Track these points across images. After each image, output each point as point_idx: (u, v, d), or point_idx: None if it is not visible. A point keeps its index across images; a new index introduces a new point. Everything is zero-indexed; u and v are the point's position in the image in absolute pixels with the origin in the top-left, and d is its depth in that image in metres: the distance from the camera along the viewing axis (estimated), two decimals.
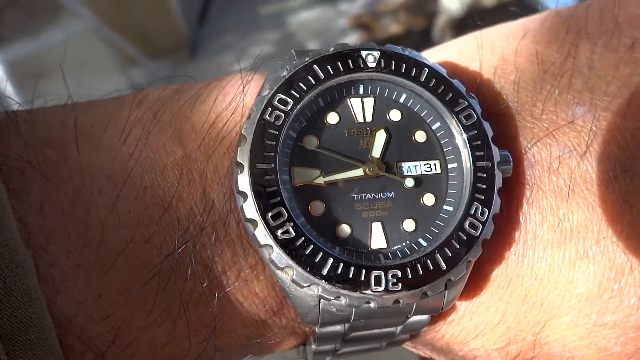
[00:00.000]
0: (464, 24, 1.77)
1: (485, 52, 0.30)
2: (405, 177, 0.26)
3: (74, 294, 0.24)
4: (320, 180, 0.26)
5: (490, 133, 0.27)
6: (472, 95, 0.27)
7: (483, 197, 0.26)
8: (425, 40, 1.80)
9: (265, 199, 0.24)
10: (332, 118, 0.26)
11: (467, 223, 0.25)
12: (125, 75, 1.90)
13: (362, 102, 0.27)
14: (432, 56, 0.31)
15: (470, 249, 0.25)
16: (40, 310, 0.22)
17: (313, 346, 0.28)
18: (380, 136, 0.26)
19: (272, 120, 0.25)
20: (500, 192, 0.27)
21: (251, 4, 2.26)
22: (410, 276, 0.24)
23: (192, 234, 0.25)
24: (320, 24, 2.09)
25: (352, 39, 1.92)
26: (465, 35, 0.32)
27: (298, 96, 0.25)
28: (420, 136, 0.27)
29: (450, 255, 0.25)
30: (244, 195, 0.24)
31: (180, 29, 2.05)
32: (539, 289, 0.27)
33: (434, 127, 0.27)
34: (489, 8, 1.79)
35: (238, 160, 0.24)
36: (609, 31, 0.28)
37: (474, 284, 0.28)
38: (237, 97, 0.27)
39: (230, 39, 2.19)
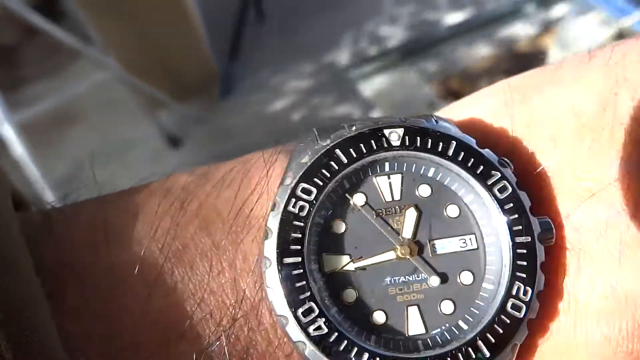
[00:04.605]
0: None
1: (517, 106, 0.28)
2: (434, 268, 0.25)
3: None
4: (351, 267, 0.25)
5: (528, 204, 0.25)
6: (506, 161, 0.26)
7: (525, 275, 0.24)
8: None
9: (295, 294, 0.23)
10: (359, 199, 0.26)
11: (509, 305, 0.24)
12: (153, 119, 1.85)
13: (389, 180, 0.26)
14: (463, 113, 0.29)
15: (515, 333, 0.24)
16: None
17: None
18: (410, 215, 0.25)
19: (297, 211, 0.24)
20: (543, 263, 0.25)
21: (286, 36, 2.21)
22: None
23: (225, 327, 0.25)
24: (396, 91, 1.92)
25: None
26: (495, 84, 0.31)
27: (322, 184, 0.25)
28: (452, 210, 0.26)
29: (493, 341, 0.23)
30: (273, 290, 0.24)
31: (211, 66, 1.96)
32: None
33: (466, 200, 0.26)
34: None
35: (265, 254, 0.24)
36: None
37: (525, 359, 0.26)
38: (262, 181, 0.27)
39: (265, 74, 2.11)
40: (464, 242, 0.25)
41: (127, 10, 1.56)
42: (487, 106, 0.29)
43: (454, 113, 0.30)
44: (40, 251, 0.25)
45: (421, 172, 0.26)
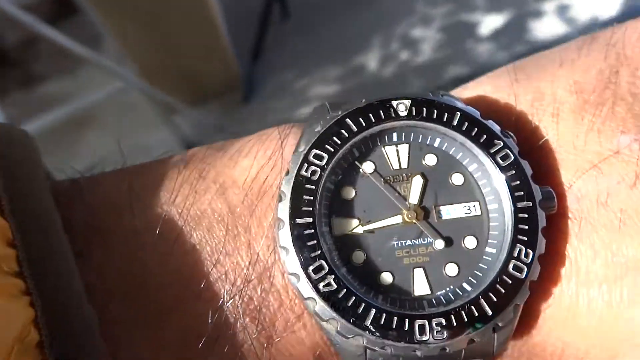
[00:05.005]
0: None
1: (522, 85, 0.29)
2: (439, 232, 0.26)
3: (135, 350, 0.25)
4: (360, 230, 0.26)
5: (529, 171, 0.26)
6: (509, 133, 0.27)
7: (526, 239, 0.25)
8: None
9: (306, 252, 0.25)
10: (368, 167, 0.27)
11: (511, 266, 0.25)
12: (171, 126, 1.75)
13: (397, 149, 0.27)
14: (469, 92, 0.31)
15: (517, 293, 0.25)
16: None
17: None
18: (417, 182, 0.27)
19: (309, 175, 0.26)
20: (545, 230, 0.26)
21: (312, 36, 2.08)
22: (455, 324, 0.24)
23: (239, 287, 0.26)
24: None
25: None
26: (502, 67, 0.32)
27: (333, 150, 0.26)
28: (457, 179, 0.27)
29: (495, 300, 0.24)
30: (285, 249, 0.25)
31: (233, 67, 1.82)
32: (598, 327, 0.26)
33: (470, 169, 0.27)
34: None
35: (279, 216, 0.25)
36: None
37: (528, 324, 0.27)
38: (277, 152, 0.28)
39: (289, 77, 1.96)
40: (468, 209, 0.27)
41: (144, 9, 1.49)
42: (493, 86, 0.30)
43: (461, 92, 0.31)
44: (69, 214, 0.27)
45: (427, 142, 0.27)
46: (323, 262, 0.25)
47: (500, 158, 0.26)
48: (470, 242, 0.26)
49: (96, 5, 1.40)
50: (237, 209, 0.27)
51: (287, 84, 1.96)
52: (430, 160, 0.27)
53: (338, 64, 1.99)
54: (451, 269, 0.26)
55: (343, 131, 0.26)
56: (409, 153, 0.27)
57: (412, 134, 0.27)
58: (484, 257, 0.26)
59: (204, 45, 1.68)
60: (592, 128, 0.27)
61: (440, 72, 2.06)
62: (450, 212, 0.27)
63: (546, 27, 2.10)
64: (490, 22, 2.13)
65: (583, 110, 0.27)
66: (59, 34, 1.21)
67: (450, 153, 0.27)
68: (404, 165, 0.27)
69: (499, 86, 0.30)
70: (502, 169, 0.26)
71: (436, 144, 0.27)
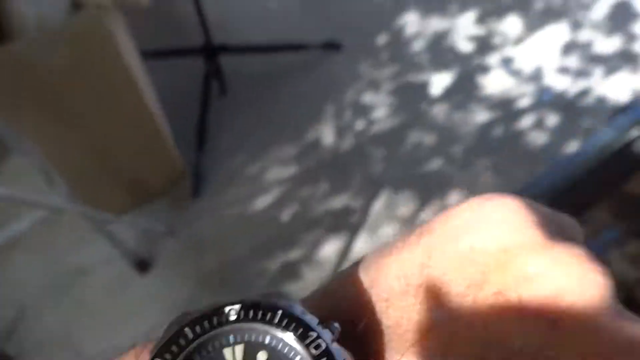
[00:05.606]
0: None
1: (362, 273, 0.34)
2: None
3: None
4: None
5: (340, 357, 0.31)
6: (332, 323, 0.32)
7: None
8: None
9: None
10: None
11: None
12: (111, 238, 1.58)
13: (234, 349, 0.31)
14: (317, 291, 0.36)
15: None
16: None
17: None
18: None
19: None
20: None
21: (256, 113, 1.94)
22: None
23: None
24: None
25: None
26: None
27: (171, 358, 0.30)
28: None
29: None
30: None
31: (177, 161, 1.65)
32: None
33: None
34: None
35: None
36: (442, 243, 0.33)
37: None
38: None
39: (239, 161, 1.81)
40: None
41: (67, 109, 1.32)
42: (339, 281, 0.35)
43: (310, 294, 0.36)
44: None
45: (259, 340, 0.32)
46: None
47: (314, 348, 0.30)
48: None
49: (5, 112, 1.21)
50: None
51: (240, 171, 1.83)
52: (262, 357, 0.31)
53: (291, 142, 1.93)
54: None
55: (181, 340, 0.31)
56: (244, 352, 0.31)
57: (246, 334, 0.32)
58: None
59: (141, 140, 1.53)
60: (413, 310, 0.32)
61: (399, 138, 2.11)
62: None
63: (494, 81, 2.19)
64: (438, 81, 2.20)
65: (407, 295, 0.32)
66: None
67: (278, 349, 0.31)
68: None
69: (345, 281, 0.35)
70: (314, 358, 0.30)
71: (266, 342, 0.32)
